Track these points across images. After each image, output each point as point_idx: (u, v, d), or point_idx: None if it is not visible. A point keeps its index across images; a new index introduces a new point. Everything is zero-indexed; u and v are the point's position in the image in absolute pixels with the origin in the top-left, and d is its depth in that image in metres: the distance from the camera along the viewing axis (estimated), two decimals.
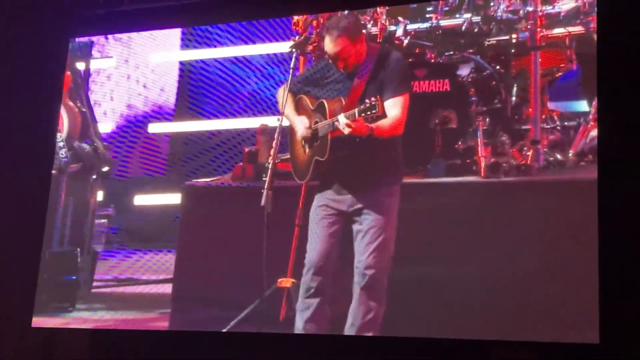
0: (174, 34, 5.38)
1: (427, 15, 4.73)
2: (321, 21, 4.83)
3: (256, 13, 4.92)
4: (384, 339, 4.19)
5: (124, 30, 5.27)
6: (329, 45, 4.33)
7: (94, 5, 5.07)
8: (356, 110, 4.11)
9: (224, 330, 4.49)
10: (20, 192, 5.06)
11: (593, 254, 3.77)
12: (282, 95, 4.55)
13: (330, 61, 4.34)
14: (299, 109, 4.50)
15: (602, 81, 3.99)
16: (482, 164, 4.33)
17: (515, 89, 4.46)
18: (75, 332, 4.86)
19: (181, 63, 5.34)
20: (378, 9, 4.82)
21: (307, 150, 4.33)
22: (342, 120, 4.15)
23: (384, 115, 4.16)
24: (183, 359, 4.61)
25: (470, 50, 4.59)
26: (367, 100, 4.06)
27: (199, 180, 4.96)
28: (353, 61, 4.32)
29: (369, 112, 4.08)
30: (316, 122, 4.33)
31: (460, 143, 4.44)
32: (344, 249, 4.33)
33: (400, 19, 4.76)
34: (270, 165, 4.44)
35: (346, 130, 4.14)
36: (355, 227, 4.28)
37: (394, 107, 4.21)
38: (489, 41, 4.55)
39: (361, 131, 4.14)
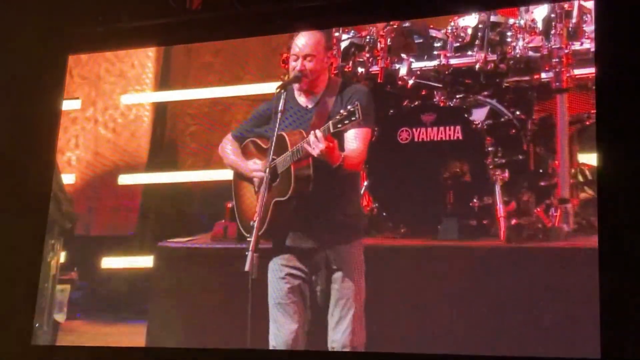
0: (147, 72, 5.12)
1: (435, 52, 4.46)
2: None
3: (253, 30, 4.83)
4: None
5: (122, 48, 5.10)
6: (301, 40, 4.12)
7: (92, 22, 4.96)
8: (331, 123, 3.81)
9: None
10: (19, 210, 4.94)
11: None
12: (226, 146, 4.34)
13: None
14: (247, 154, 4.27)
15: None
16: (502, 226, 4.06)
17: (538, 138, 4.18)
18: (74, 349, 4.71)
19: (155, 105, 5.10)
20: (378, 44, 4.54)
21: (263, 194, 4.00)
22: (313, 137, 3.85)
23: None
24: None
25: (485, 93, 4.32)
26: (342, 111, 3.79)
27: (174, 240, 4.69)
28: (314, 69, 4.09)
29: (347, 121, 3.77)
30: (273, 159, 4.02)
31: (475, 200, 4.16)
32: (312, 323, 4.12)
33: (403, 56, 4.50)
34: (255, 224, 3.99)
35: (317, 150, 3.83)
36: (321, 291, 4.06)
37: (355, 140, 3.99)
38: (506, 82, 4.28)
39: (334, 155, 3.87)
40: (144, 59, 5.12)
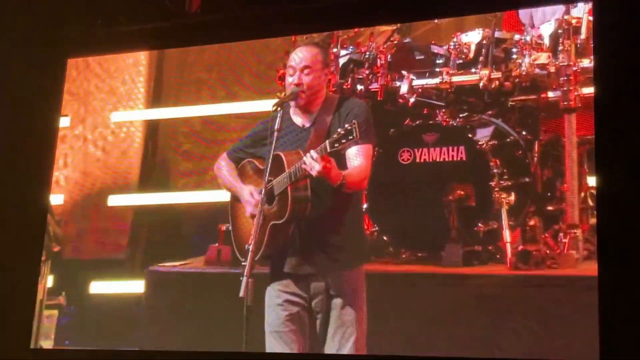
0: (138, 88, 5.04)
1: (437, 69, 4.40)
2: None
3: (253, 33, 4.78)
4: None
5: (120, 51, 5.06)
6: (298, 54, 4.01)
7: (91, 25, 4.91)
8: (327, 142, 3.67)
9: None
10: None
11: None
12: (222, 166, 4.22)
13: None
14: (244, 175, 4.15)
15: None
16: (508, 252, 4.00)
17: (546, 159, 4.14)
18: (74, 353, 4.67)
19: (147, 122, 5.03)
20: (378, 61, 4.48)
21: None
22: (309, 159, 3.72)
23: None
24: None
25: (490, 112, 4.28)
26: (339, 129, 3.66)
27: (166, 264, 4.61)
28: (311, 84, 3.97)
29: (344, 140, 3.62)
30: (270, 181, 3.89)
31: (480, 225, 4.13)
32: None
33: (404, 73, 4.44)
34: (250, 247, 3.80)
35: (315, 169, 3.69)
36: (320, 318, 3.95)
37: (357, 157, 3.88)
38: (512, 101, 4.23)
39: (332, 175, 3.73)
40: (135, 75, 5.03)
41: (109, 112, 5.01)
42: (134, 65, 5.03)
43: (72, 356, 4.64)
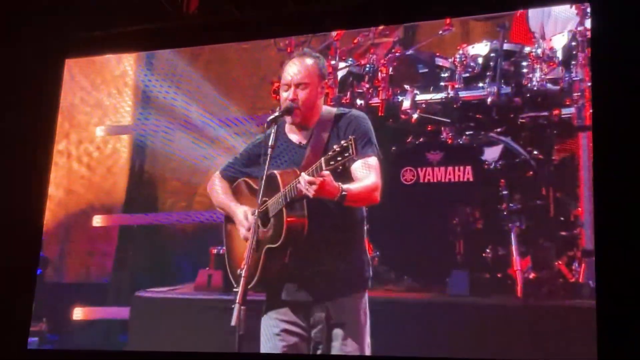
0: (126, 101, 4.96)
1: (442, 84, 4.35)
2: None
3: (250, 35, 4.75)
4: None
5: (118, 52, 5.03)
6: (292, 68, 3.85)
7: (89, 26, 4.90)
8: (322, 160, 3.51)
9: None
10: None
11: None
12: (216, 185, 4.06)
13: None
14: (239, 196, 4.00)
15: None
16: (519, 281, 3.91)
17: (559, 181, 4.09)
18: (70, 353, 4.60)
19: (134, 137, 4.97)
20: (379, 74, 4.42)
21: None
22: (303, 184, 3.58)
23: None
24: None
25: (499, 130, 4.22)
26: (334, 146, 3.51)
27: (153, 289, 4.51)
28: (307, 99, 3.81)
29: (339, 158, 3.46)
30: (264, 202, 3.76)
31: (488, 251, 4.05)
32: None
33: (407, 87, 4.41)
34: (243, 272, 3.64)
35: (311, 191, 3.54)
36: (321, 349, 3.80)
37: (363, 169, 3.74)
38: (522, 118, 4.18)
39: (330, 190, 3.56)
40: (122, 87, 4.94)
41: (94, 126, 4.92)
42: (121, 77, 4.95)
43: (69, 357, 4.57)
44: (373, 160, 3.74)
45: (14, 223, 4.75)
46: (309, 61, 3.88)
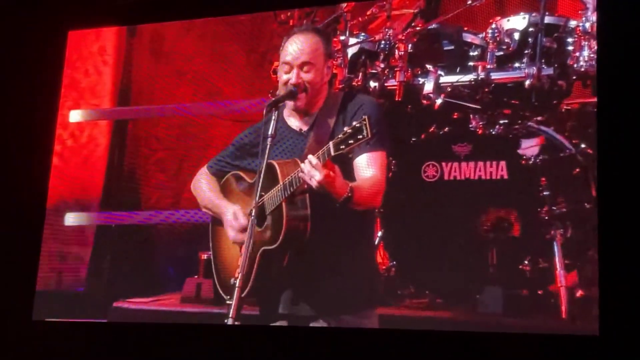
0: (104, 82, 4.76)
1: (470, 63, 4.12)
2: None
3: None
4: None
5: (123, 24, 4.90)
6: (293, 45, 3.70)
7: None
8: (331, 144, 3.37)
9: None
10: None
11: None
12: (201, 182, 3.98)
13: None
14: (228, 193, 3.89)
15: None
16: (564, 299, 3.67)
17: None
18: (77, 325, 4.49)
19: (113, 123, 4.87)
20: (397, 52, 4.12)
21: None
22: (307, 165, 3.41)
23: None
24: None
25: (539, 118, 3.96)
26: (345, 128, 3.37)
27: (134, 299, 4.37)
28: (313, 81, 3.67)
29: (351, 141, 3.32)
30: (261, 196, 3.60)
31: (526, 263, 3.79)
32: None
33: (429, 67, 4.12)
34: (237, 282, 3.43)
35: (315, 179, 3.38)
36: None
37: (369, 166, 3.59)
38: (567, 105, 3.95)
39: (336, 185, 3.42)
40: (100, 65, 4.77)
41: (67, 110, 4.75)
42: (99, 54, 4.78)
43: (73, 328, 4.43)
44: (381, 157, 3.62)
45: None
46: (313, 37, 3.75)
